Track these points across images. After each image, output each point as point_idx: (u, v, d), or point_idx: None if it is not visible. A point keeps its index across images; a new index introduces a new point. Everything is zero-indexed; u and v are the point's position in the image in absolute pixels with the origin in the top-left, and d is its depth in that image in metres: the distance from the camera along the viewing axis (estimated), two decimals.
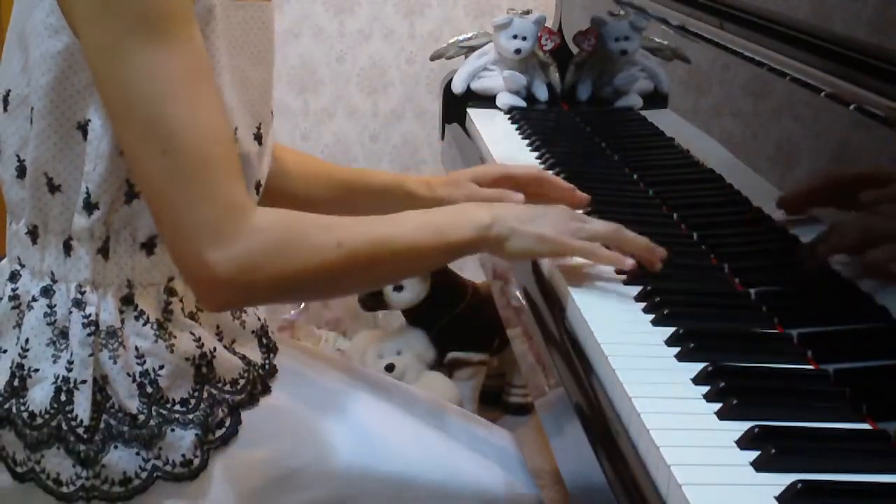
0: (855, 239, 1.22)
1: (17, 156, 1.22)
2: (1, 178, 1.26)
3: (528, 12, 2.21)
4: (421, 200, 1.46)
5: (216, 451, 1.25)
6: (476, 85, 2.24)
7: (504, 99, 2.19)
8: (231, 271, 1.11)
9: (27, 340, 1.21)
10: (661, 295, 1.25)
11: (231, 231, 1.11)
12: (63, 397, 1.19)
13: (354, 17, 2.99)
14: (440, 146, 2.36)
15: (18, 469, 1.22)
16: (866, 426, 1.03)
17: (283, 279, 1.15)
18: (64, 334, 1.20)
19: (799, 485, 0.90)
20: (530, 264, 1.45)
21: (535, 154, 1.88)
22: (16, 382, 1.21)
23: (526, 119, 2.10)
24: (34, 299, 1.22)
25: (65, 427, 1.19)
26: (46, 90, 1.17)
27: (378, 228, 1.20)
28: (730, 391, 1.04)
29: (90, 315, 1.20)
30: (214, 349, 1.25)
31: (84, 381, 1.19)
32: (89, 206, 1.19)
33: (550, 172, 1.63)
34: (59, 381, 1.19)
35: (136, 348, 1.21)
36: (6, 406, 1.21)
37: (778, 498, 0.90)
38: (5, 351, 1.23)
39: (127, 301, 1.22)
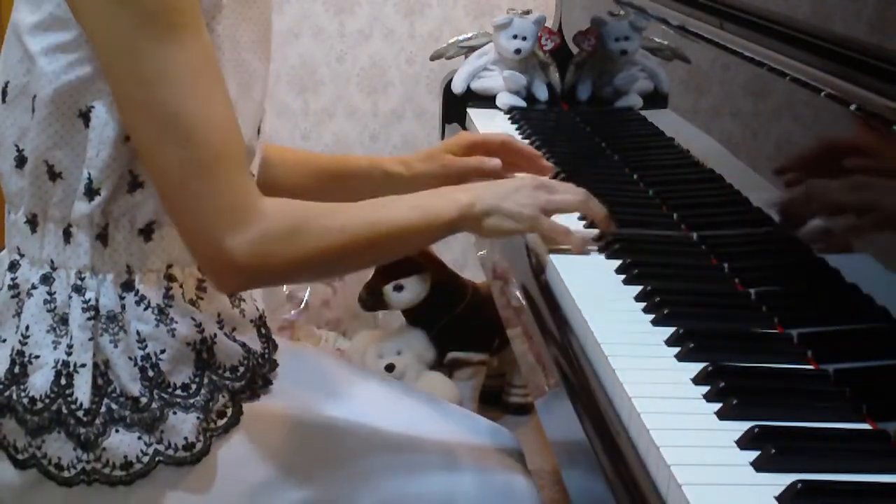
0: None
1: (16, 146, 1.23)
2: (2, 167, 1.26)
3: (528, 12, 2.21)
4: (399, 179, 1.53)
5: (218, 439, 1.25)
6: (476, 85, 2.24)
7: (504, 99, 2.20)
8: (247, 256, 1.17)
9: (27, 328, 1.22)
10: (661, 295, 1.25)
11: (245, 219, 1.17)
12: (63, 381, 1.20)
13: (354, 17, 2.99)
14: None
15: (19, 456, 1.22)
16: (866, 426, 1.03)
17: (293, 262, 1.21)
18: (64, 320, 1.21)
19: (799, 485, 0.90)
20: (530, 265, 1.45)
21: None
22: (16, 370, 1.21)
23: (526, 119, 2.10)
24: (34, 287, 1.23)
25: (65, 411, 1.19)
26: (51, 79, 1.18)
27: (375, 212, 1.27)
28: (730, 391, 1.04)
29: (90, 300, 1.21)
30: (215, 335, 1.26)
31: (84, 365, 1.20)
32: (91, 192, 1.20)
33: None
34: (59, 365, 1.20)
35: (138, 333, 1.22)
36: (6, 393, 1.21)
37: (778, 498, 0.90)
38: (5, 340, 1.24)
39: (127, 287, 1.23)
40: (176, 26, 1.14)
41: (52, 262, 1.24)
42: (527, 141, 1.97)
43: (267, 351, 1.35)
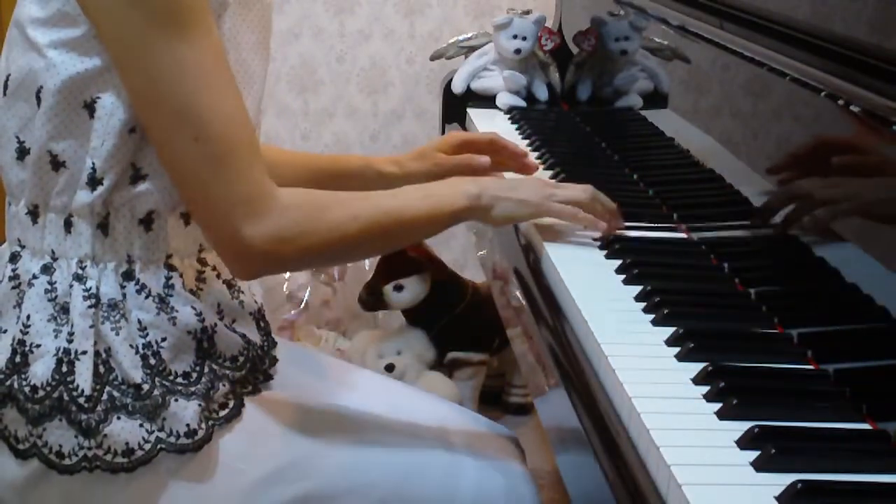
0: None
1: (17, 137, 1.24)
2: (2, 160, 1.27)
3: (528, 12, 2.21)
4: (392, 178, 1.57)
5: (220, 429, 1.26)
6: (476, 85, 2.24)
7: (504, 99, 2.20)
8: (264, 244, 1.21)
9: (28, 317, 1.22)
10: (661, 295, 1.25)
11: (262, 208, 1.20)
12: (64, 368, 1.20)
13: (354, 17, 2.99)
14: None
15: (20, 446, 1.23)
16: (866, 426, 1.03)
17: (309, 249, 1.25)
18: (65, 309, 1.22)
19: (799, 485, 0.90)
20: (529, 265, 1.45)
21: (536, 154, 1.88)
22: (17, 359, 1.22)
23: (526, 119, 2.10)
24: (34, 277, 1.24)
25: (66, 398, 1.20)
26: (59, 71, 1.19)
27: (387, 202, 1.31)
28: (730, 391, 1.04)
29: (90, 289, 1.22)
30: (215, 325, 1.28)
31: (85, 352, 1.20)
32: (93, 182, 1.22)
33: (545, 170, 1.65)
34: (60, 353, 1.21)
35: (139, 321, 1.23)
36: (7, 383, 1.22)
37: (778, 498, 0.90)
38: (5, 331, 1.24)
39: (128, 276, 1.24)
40: (186, 24, 1.16)
41: (52, 252, 1.24)
42: (526, 141, 1.97)
43: (266, 344, 1.36)
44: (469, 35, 2.33)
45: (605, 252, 1.41)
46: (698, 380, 1.08)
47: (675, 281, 1.33)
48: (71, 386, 1.20)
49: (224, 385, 1.28)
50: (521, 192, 1.39)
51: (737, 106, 1.63)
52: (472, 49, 2.29)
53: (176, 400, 1.22)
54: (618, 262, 1.37)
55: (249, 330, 1.33)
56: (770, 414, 1.01)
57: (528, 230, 1.51)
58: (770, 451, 0.95)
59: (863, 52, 1.23)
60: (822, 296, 1.25)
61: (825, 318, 1.22)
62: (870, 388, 1.08)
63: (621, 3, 2.10)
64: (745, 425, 0.99)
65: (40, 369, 1.21)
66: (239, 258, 1.24)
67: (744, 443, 0.97)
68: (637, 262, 1.34)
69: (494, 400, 2.74)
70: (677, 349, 1.15)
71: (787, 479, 0.91)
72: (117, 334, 1.22)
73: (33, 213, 1.26)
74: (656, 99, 2.02)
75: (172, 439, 1.22)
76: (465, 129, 2.17)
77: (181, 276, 1.27)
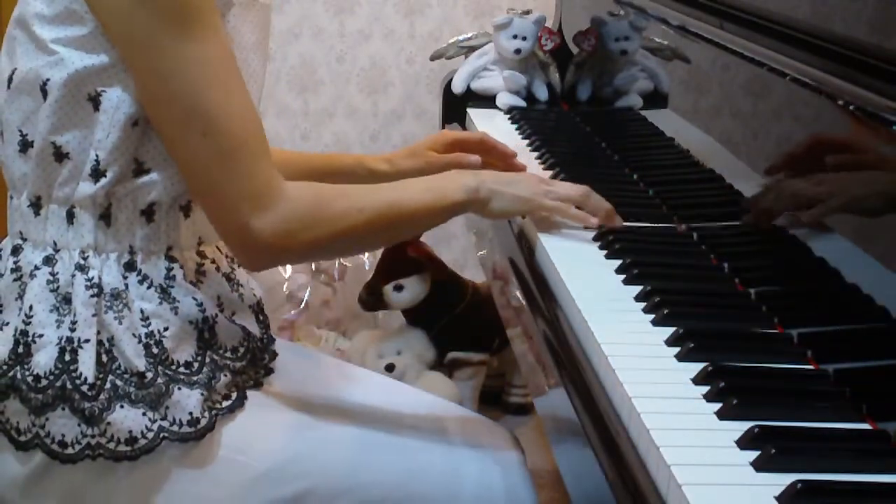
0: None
1: (20, 130, 1.25)
2: (2, 156, 1.29)
3: (528, 12, 2.21)
4: (383, 176, 1.60)
5: (222, 419, 1.27)
6: (476, 85, 2.24)
7: (504, 99, 2.20)
8: (272, 237, 1.23)
9: (30, 308, 1.23)
10: (661, 295, 1.25)
11: (269, 202, 1.22)
12: (67, 357, 1.21)
13: (354, 17, 2.99)
14: None
15: (22, 438, 1.23)
16: (866, 426, 1.03)
17: (315, 241, 1.27)
18: (67, 300, 1.23)
19: (799, 485, 0.90)
20: (529, 265, 1.45)
21: (535, 154, 1.88)
22: (20, 349, 1.23)
23: (526, 119, 2.10)
24: (36, 268, 1.25)
25: (69, 386, 1.21)
26: (66, 65, 1.21)
27: (390, 195, 1.34)
28: (730, 391, 1.04)
29: (93, 278, 1.23)
30: (216, 315, 1.29)
31: (88, 340, 1.21)
32: (97, 174, 1.23)
33: (549, 172, 1.66)
34: (62, 342, 1.21)
35: (141, 310, 1.24)
36: (10, 374, 1.23)
37: (778, 498, 0.90)
38: (7, 323, 1.25)
39: (130, 266, 1.25)
40: (194, 22, 1.18)
41: (54, 243, 1.25)
42: (526, 141, 1.97)
43: (265, 337, 1.37)
44: (469, 35, 2.33)
45: (605, 252, 1.41)
46: (698, 380, 1.08)
47: (675, 281, 1.33)
48: (74, 374, 1.21)
49: (226, 375, 1.28)
50: (517, 188, 1.42)
51: (737, 106, 1.63)
52: (472, 49, 2.29)
53: (179, 388, 1.23)
54: (618, 262, 1.37)
55: (249, 322, 1.34)
56: (770, 414, 1.01)
57: (528, 230, 1.51)
58: (770, 451, 0.95)
59: (863, 52, 1.23)
60: (822, 296, 1.25)
61: (825, 318, 1.22)
62: (870, 388, 1.08)
63: (621, 3, 2.10)
64: (745, 425, 0.99)
65: (43, 359, 1.21)
66: (247, 250, 1.26)
67: (744, 443, 0.97)
68: (637, 262, 1.34)
69: (494, 400, 2.74)
70: (677, 349, 1.14)
71: (787, 479, 0.91)
72: (120, 323, 1.22)
73: (35, 205, 1.26)
74: (656, 99, 2.02)
75: (175, 428, 1.23)
76: (465, 129, 2.17)
77: (182, 267, 1.28)
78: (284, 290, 2.84)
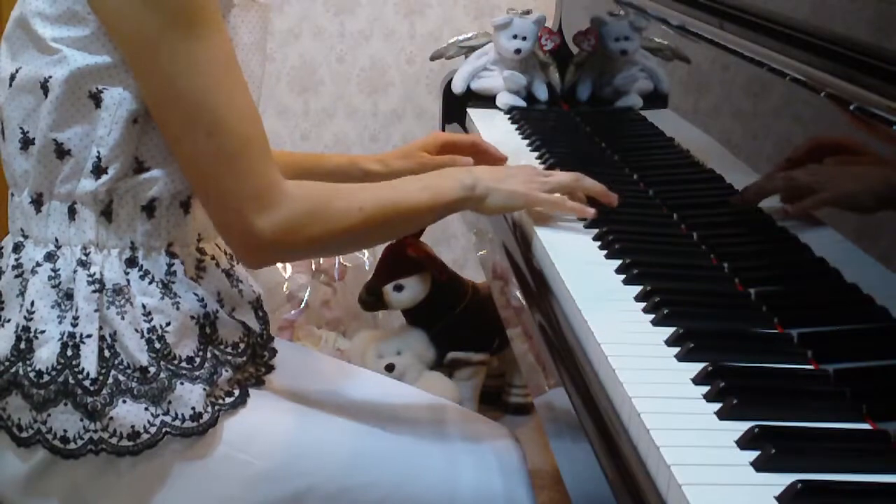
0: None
1: (21, 128, 1.26)
2: (3, 154, 1.29)
3: (528, 12, 2.21)
4: (377, 176, 1.61)
5: (225, 416, 1.27)
6: (476, 85, 2.24)
7: (504, 99, 2.19)
8: (274, 235, 1.24)
9: (32, 303, 1.23)
10: (661, 295, 1.25)
11: (271, 202, 1.24)
12: (69, 352, 1.21)
13: (354, 17, 2.99)
14: None
15: (23, 434, 1.24)
16: (866, 426, 1.03)
17: (315, 239, 1.29)
18: (69, 296, 1.23)
19: (799, 485, 0.90)
20: (529, 265, 1.45)
21: (535, 154, 1.88)
22: (22, 345, 1.23)
23: (526, 119, 2.10)
24: (38, 265, 1.25)
25: (72, 381, 1.21)
26: (69, 63, 1.21)
27: (388, 193, 1.36)
28: (730, 391, 1.04)
29: (94, 274, 1.24)
30: (217, 311, 1.29)
31: (90, 335, 1.22)
32: (98, 171, 1.24)
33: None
34: (65, 337, 1.22)
35: (143, 306, 1.25)
36: (13, 370, 1.23)
37: (778, 498, 0.90)
38: (9, 319, 1.25)
39: (131, 262, 1.26)
40: (198, 23, 1.18)
41: (56, 240, 1.26)
42: (526, 141, 1.97)
43: (265, 333, 1.37)
44: (469, 35, 2.33)
45: (605, 252, 1.41)
46: (698, 380, 1.08)
47: (675, 281, 1.33)
48: (76, 369, 1.21)
49: (227, 371, 1.29)
50: (511, 184, 1.44)
51: (737, 106, 1.63)
52: (472, 49, 2.29)
53: (181, 383, 1.24)
54: (618, 262, 1.37)
55: (248, 318, 1.35)
56: (770, 414, 1.01)
57: (528, 230, 1.51)
58: (770, 451, 0.95)
59: (863, 52, 1.23)
60: (822, 296, 1.25)
61: (825, 318, 1.22)
62: (870, 388, 1.08)
63: (621, 3, 2.10)
64: (745, 425, 0.99)
65: (45, 354, 1.22)
66: (249, 248, 1.27)
67: (744, 443, 0.97)
68: (637, 262, 1.34)
69: (494, 400, 2.74)
70: (677, 349, 1.14)
71: (787, 479, 0.91)
72: (122, 318, 1.23)
73: (37, 202, 1.27)
74: (656, 99, 2.02)
75: (178, 422, 1.23)
76: (465, 129, 2.17)
77: (182, 263, 1.29)
78: (284, 290, 2.84)
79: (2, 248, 1.32)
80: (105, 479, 1.25)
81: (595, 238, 1.45)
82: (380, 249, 2.62)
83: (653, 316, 1.22)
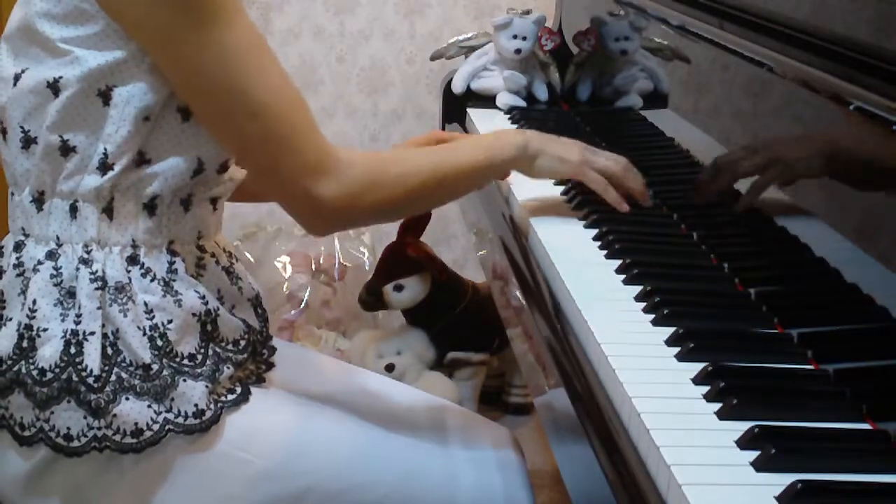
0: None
1: (22, 127, 1.26)
2: (3, 153, 1.29)
3: (528, 12, 2.21)
4: None
5: (227, 412, 1.27)
6: (476, 85, 2.24)
7: (504, 99, 2.19)
8: (337, 201, 1.27)
9: (34, 302, 1.23)
10: (661, 295, 1.25)
11: (329, 169, 1.26)
12: (73, 350, 1.21)
13: (354, 17, 2.99)
14: None
15: (25, 433, 1.23)
16: (866, 426, 1.03)
17: (377, 203, 1.32)
18: (71, 293, 1.23)
19: (799, 485, 0.90)
20: (529, 265, 1.45)
21: None
22: (24, 343, 1.23)
23: (526, 119, 2.10)
24: (39, 263, 1.25)
25: (75, 378, 1.21)
26: (81, 62, 1.21)
27: (443, 155, 1.42)
28: (730, 391, 1.04)
29: (97, 271, 1.24)
30: (218, 308, 1.29)
31: (93, 333, 1.21)
32: (104, 167, 1.24)
33: None
34: (67, 334, 1.22)
35: (145, 303, 1.25)
36: (15, 368, 1.23)
37: (778, 498, 0.90)
38: (10, 318, 1.25)
39: (133, 260, 1.26)
40: (219, 10, 1.19)
41: (57, 238, 1.26)
42: None
43: (265, 330, 1.37)
44: (469, 35, 2.33)
45: (605, 252, 1.41)
46: (698, 380, 1.08)
47: (675, 281, 1.33)
48: (80, 367, 1.21)
49: (228, 368, 1.29)
50: (562, 150, 1.49)
51: (737, 106, 1.63)
52: (472, 49, 2.29)
53: (184, 380, 1.24)
54: (618, 262, 1.37)
55: (248, 316, 1.35)
56: (770, 414, 1.01)
57: (528, 230, 1.51)
58: (770, 451, 0.95)
59: (863, 52, 1.23)
60: (822, 296, 1.25)
61: (825, 318, 1.22)
62: (870, 388, 1.08)
63: (621, 3, 2.10)
64: (745, 425, 0.99)
65: (48, 352, 1.22)
66: (315, 216, 1.30)
67: (744, 443, 0.97)
68: (637, 262, 1.34)
69: (494, 400, 2.74)
70: (677, 349, 1.15)
71: (787, 479, 0.91)
72: (125, 316, 1.23)
73: (38, 200, 1.27)
74: (656, 99, 2.02)
75: (181, 420, 1.23)
76: (465, 129, 2.17)
77: (183, 261, 1.29)
78: (284, 290, 2.84)
79: (2, 247, 1.32)
80: (106, 478, 1.25)
81: (595, 238, 1.45)
82: (380, 249, 2.62)
83: (653, 316, 1.22)
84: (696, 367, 1.10)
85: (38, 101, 1.24)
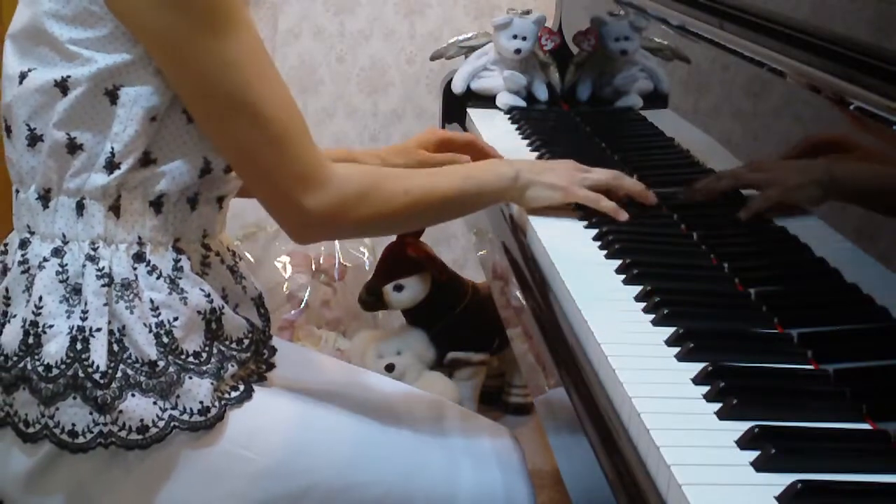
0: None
1: (28, 125, 1.26)
2: (8, 151, 1.29)
3: (528, 12, 2.21)
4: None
5: (231, 410, 1.28)
6: (476, 85, 2.24)
7: (504, 99, 2.19)
8: (323, 214, 1.29)
9: (40, 298, 1.23)
10: (661, 295, 1.25)
11: (320, 181, 1.28)
12: (79, 346, 1.22)
13: (354, 17, 2.99)
14: None
15: (30, 430, 1.24)
16: (866, 426, 1.03)
17: (364, 219, 1.33)
18: (77, 290, 1.24)
19: (799, 485, 0.90)
20: (530, 265, 1.45)
21: (536, 154, 1.88)
22: (30, 340, 1.23)
23: (526, 119, 2.10)
24: (45, 260, 1.25)
25: (81, 374, 1.21)
26: (90, 63, 1.21)
27: (434, 180, 1.41)
28: (730, 391, 1.04)
29: (103, 268, 1.24)
30: (222, 307, 1.30)
31: (99, 329, 1.22)
32: (111, 166, 1.24)
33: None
34: (74, 331, 1.22)
35: (151, 300, 1.25)
36: (21, 365, 1.23)
37: (778, 498, 0.90)
38: (15, 315, 1.25)
39: (139, 258, 1.26)
40: (226, 19, 1.20)
41: (63, 235, 1.26)
42: (526, 141, 1.97)
43: (267, 329, 1.37)
44: (469, 35, 2.33)
45: (605, 252, 1.41)
46: (698, 380, 1.08)
47: (675, 281, 1.33)
48: (86, 363, 1.21)
49: (232, 366, 1.30)
50: (551, 177, 1.49)
51: (737, 106, 1.63)
52: (472, 49, 2.29)
53: (190, 378, 1.24)
54: (618, 262, 1.37)
55: (252, 314, 1.36)
56: (770, 414, 1.01)
57: (529, 230, 1.51)
58: (770, 451, 0.95)
59: (863, 52, 1.23)
60: (822, 296, 1.25)
61: (825, 318, 1.22)
62: (870, 388, 1.08)
63: (621, 3, 2.10)
64: (745, 425, 0.99)
65: (54, 348, 1.22)
66: (301, 227, 1.32)
67: (744, 443, 0.97)
68: (637, 262, 1.34)
69: (494, 400, 2.74)
70: (677, 349, 1.15)
71: (787, 479, 0.91)
72: (131, 313, 1.23)
73: (44, 198, 1.27)
74: (656, 99, 2.02)
75: (186, 416, 1.24)
76: (465, 129, 2.17)
77: (189, 259, 1.29)
78: (284, 290, 2.84)
79: (7, 244, 1.32)
80: (109, 475, 1.25)
81: (595, 238, 1.45)
82: (380, 249, 2.62)
83: (653, 316, 1.22)
84: (696, 367, 1.10)
85: (44, 100, 1.24)
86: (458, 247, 3.09)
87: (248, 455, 1.29)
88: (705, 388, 1.06)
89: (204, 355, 1.27)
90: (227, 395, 1.29)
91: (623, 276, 1.33)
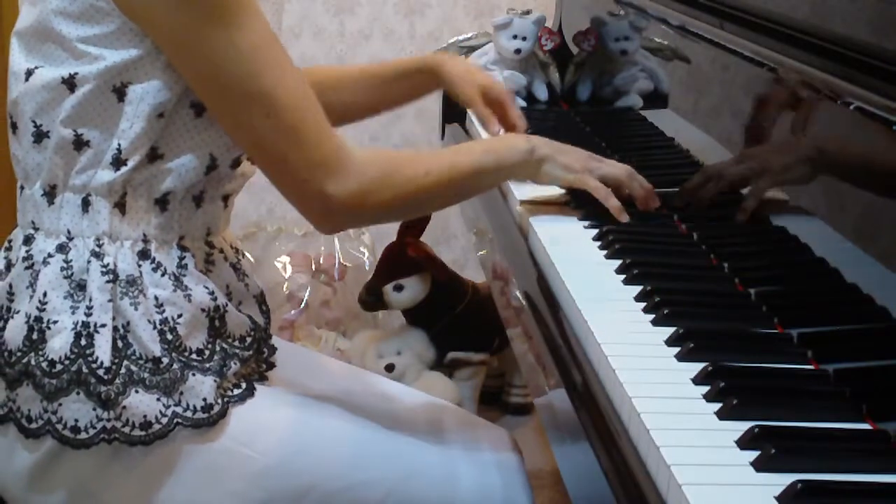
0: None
1: (34, 121, 1.26)
2: (13, 147, 1.30)
3: (528, 12, 2.21)
4: (442, 77, 1.72)
5: (234, 407, 1.28)
6: None
7: None
8: (346, 200, 1.28)
9: (45, 294, 1.24)
10: (661, 295, 1.25)
11: (340, 167, 1.27)
12: (83, 341, 1.22)
13: (354, 17, 2.99)
14: (440, 146, 2.36)
15: (32, 426, 1.24)
16: (866, 426, 1.03)
17: (387, 203, 1.32)
18: (81, 286, 1.24)
19: (799, 485, 0.90)
20: (530, 265, 1.45)
21: None
22: (34, 336, 1.23)
23: (526, 119, 2.10)
24: (49, 256, 1.25)
25: (85, 370, 1.21)
26: (98, 60, 1.22)
27: (453, 157, 1.42)
28: (730, 391, 1.04)
29: (108, 265, 1.24)
30: (226, 304, 1.30)
31: (104, 325, 1.22)
32: (118, 162, 1.24)
33: None
34: (78, 326, 1.22)
35: (156, 297, 1.25)
36: (24, 360, 1.23)
37: (778, 498, 0.90)
38: (19, 311, 1.26)
39: (144, 255, 1.27)
40: (236, 11, 1.20)
41: (68, 231, 1.26)
42: None
43: (268, 327, 1.38)
44: (469, 35, 2.33)
45: (605, 252, 1.41)
46: (698, 380, 1.08)
47: (675, 281, 1.33)
48: (90, 358, 1.21)
49: (235, 364, 1.30)
50: (567, 158, 1.49)
51: (737, 106, 1.63)
52: (472, 49, 2.29)
53: (193, 375, 1.25)
54: (618, 263, 1.36)
55: (254, 312, 1.36)
56: (770, 414, 1.01)
57: (529, 230, 1.51)
58: (770, 451, 0.95)
59: (863, 52, 1.23)
60: (822, 296, 1.25)
61: (825, 318, 1.22)
62: (870, 388, 1.08)
63: (621, 3, 2.10)
64: (745, 425, 0.99)
65: (58, 344, 1.22)
66: (325, 215, 1.31)
67: (744, 443, 0.97)
68: (637, 262, 1.34)
69: (494, 400, 2.74)
70: (677, 349, 1.14)
71: (787, 479, 0.91)
72: (136, 309, 1.23)
73: (49, 194, 1.27)
74: (656, 99, 2.02)
75: (189, 413, 1.24)
76: (464, 129, 2.17)
77: (193, 256, 1.29)
78: (284, 290, 2.84)
79: (11, 240, 1.32)
80: (111, 472, 1.25)
81: (595, 238, 1.45)
82: (380, 249, 2.62)
83: (653, 316, 1.22)
84: (696, 367, 1.10)
85: (51, 97, 1.24)
86: (458, 247, 3.09)
87: (249, 453, 1.29)
88: (705, 388, 1.06)
89: (207, 352, 1.27)
90: (229, 393, 1.29)
91: (623, 276, 1.33)
